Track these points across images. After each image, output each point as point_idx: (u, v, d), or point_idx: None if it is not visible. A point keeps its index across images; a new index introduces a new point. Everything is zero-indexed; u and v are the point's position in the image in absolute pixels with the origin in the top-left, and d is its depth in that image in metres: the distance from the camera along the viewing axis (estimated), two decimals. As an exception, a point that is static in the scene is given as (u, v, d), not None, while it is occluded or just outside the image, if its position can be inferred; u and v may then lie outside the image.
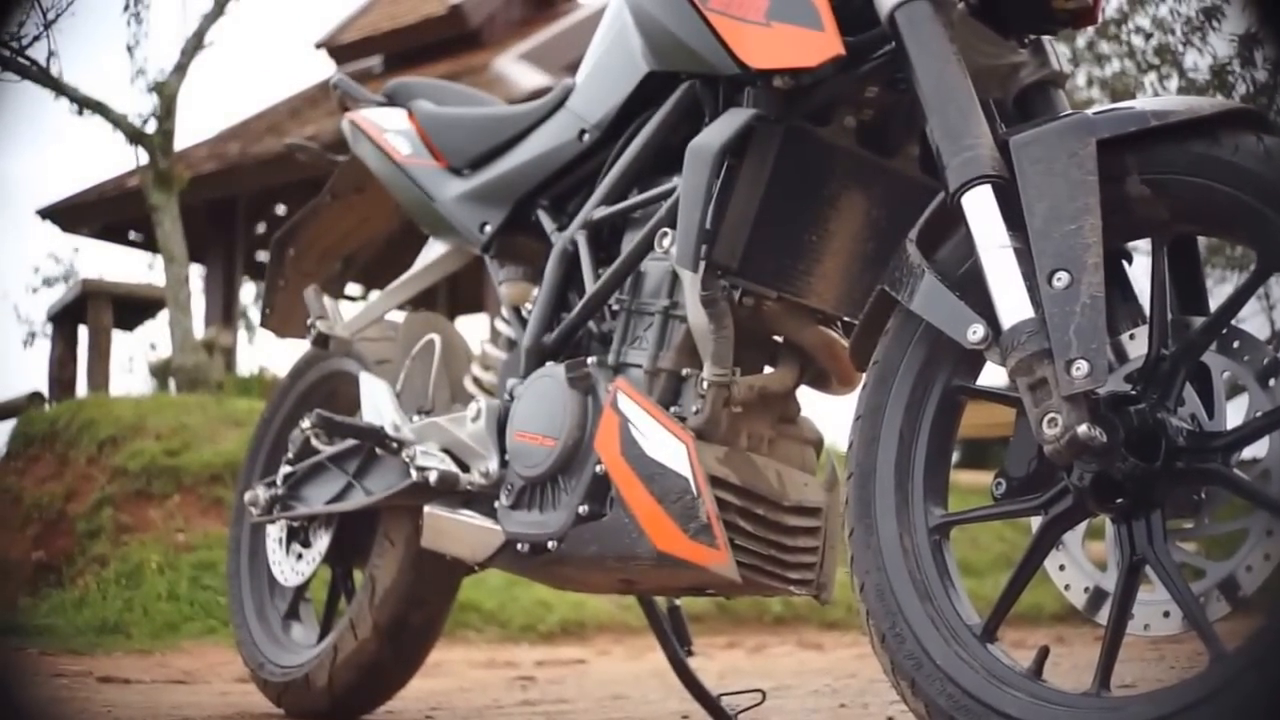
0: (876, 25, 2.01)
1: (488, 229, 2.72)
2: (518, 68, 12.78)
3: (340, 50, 15.43)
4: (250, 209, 14.81)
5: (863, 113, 2.24)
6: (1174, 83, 10.37)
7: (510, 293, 2.67)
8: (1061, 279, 1.72)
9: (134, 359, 12.28)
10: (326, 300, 3.00)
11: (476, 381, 2.75)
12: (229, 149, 13.94)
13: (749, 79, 2.13)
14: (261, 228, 15.53)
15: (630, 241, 2.39)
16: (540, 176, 2.63)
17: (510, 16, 14.93)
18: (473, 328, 14.97)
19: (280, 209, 15.11)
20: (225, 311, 14.38)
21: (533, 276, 2.65)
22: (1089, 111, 1.83)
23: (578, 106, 2.58)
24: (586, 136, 2.54)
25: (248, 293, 16.28)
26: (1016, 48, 2.07)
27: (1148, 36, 10.52)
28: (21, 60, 7.26)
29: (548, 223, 2.61)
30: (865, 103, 2.23)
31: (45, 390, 8.76)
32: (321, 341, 2.94)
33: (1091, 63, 10.29)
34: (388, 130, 2.93)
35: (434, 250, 2.98)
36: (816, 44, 2.02)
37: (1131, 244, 1.91)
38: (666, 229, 2.26)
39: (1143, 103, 1.82)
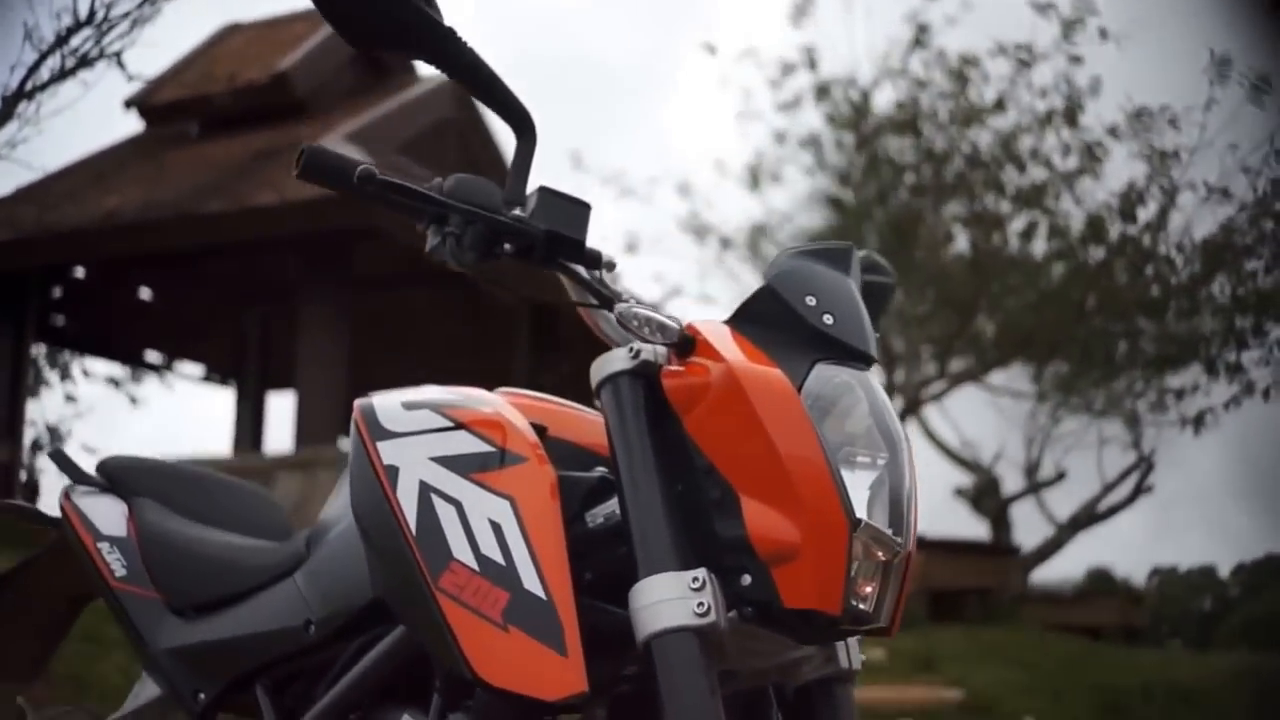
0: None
1: (202, 698, 2.49)
2: (344, 150, 12.50)
3: (153, 111, 15.07)
4: (46, 278, 14.41)
5: (618, 693, 2.07)
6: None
7: None
8: None
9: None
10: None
11: None
12: (23, 215, 13.43)
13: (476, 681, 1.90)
14: (58, 291, 15.12)
15: None
16: (262, 659, 2.40)
17: (340, 87, 14.66)
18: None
19: (80, 272, 14.72)
20: (11, 402, 13.90)
21: None
22: None
23: (307, 588, 2.36)
24: (313, 630, 2.31)
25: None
26: (800, 645, 1.90)
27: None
28: None
29: (268, 713, 2.40)
30: (619, 685, 2.04)
31: None
32: None
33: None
34: (103, 538, 2.68)
35: (148, 690, 2.72)
36: (556, 674, 1.81)
37: None
38: None
39: None
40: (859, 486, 1.80)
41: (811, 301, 1.89)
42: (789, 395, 1.82)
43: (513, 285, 2.05)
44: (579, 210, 1.98)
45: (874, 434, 1.84)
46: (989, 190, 10.65)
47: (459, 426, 1.99)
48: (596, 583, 1.90)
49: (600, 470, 2.08)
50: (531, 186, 1.99)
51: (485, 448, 1.95)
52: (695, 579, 1.77)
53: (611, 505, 1.98)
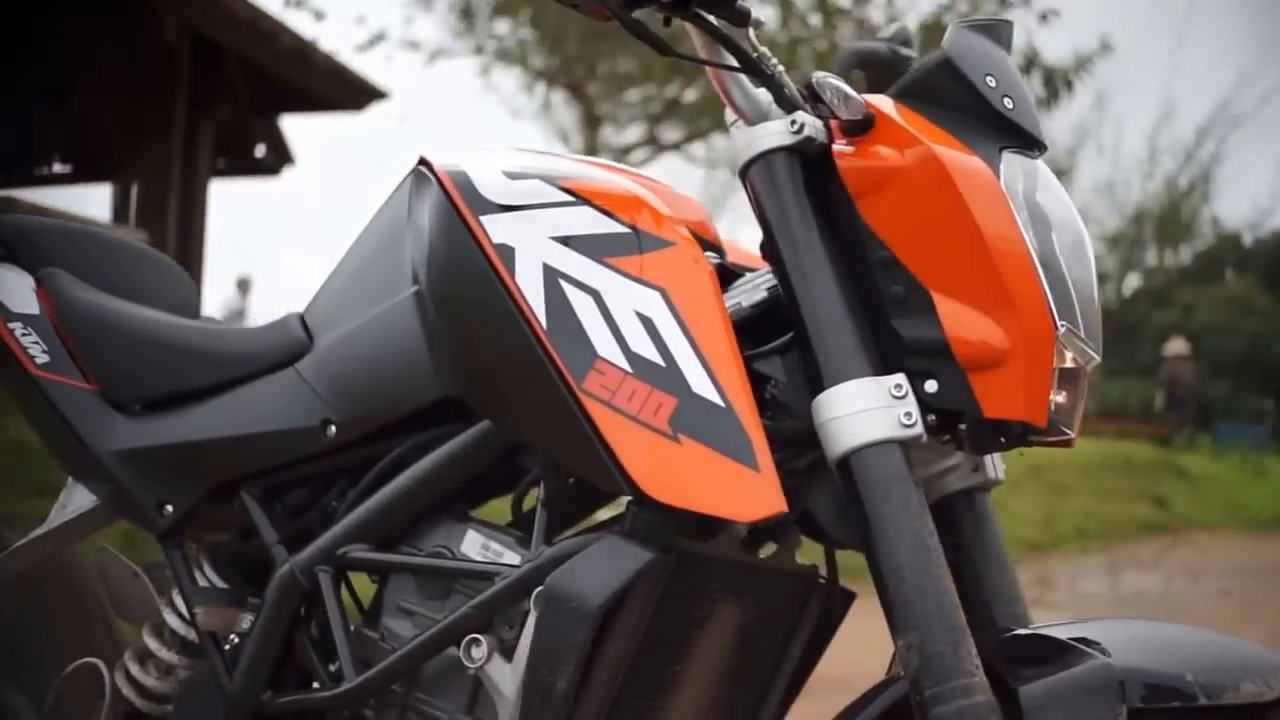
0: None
1: (169, 511, 2.09)
2: None
3: None
4: None
5: None
6: None
7: (207, 620, 2.04)
8: None
9: None
10: None
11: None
12: None
13: (639, 500, 1.66)
14: None
15: (403, 616, 1.88)
16: (258, 465, 2.04)
17: None
18: None
19: None
20: None
21: (239, 599, 2.05)
22: (1113, 662, 1.51)
23: (320, 382, 1.99)
24: (333, 432, 1.96)
25: None
26: (952, 451, 1.78)
27: None
28: None
29: (265, 527, 2.01)
30: None
31: None
32: None
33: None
34: (14, 317, 2.23)
35: (80, 498, 2.28)
36: (749, 491, 1.61)
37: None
38: (479, 637, 1.74)
39: (1188, 664, 1.52)
40: None
41: (992, 82, 1.71)
42: (993, 184, 1.65)
43: (660, 38, 1.71)
44: None
45: None
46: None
47: (582, 201, 1.74)
48: None
49: (712, 256, 1.87)
50: None
51: (619, 228, 1.71)
52: (898, 386, 1.61)
53: (736, 297, 1.80)
